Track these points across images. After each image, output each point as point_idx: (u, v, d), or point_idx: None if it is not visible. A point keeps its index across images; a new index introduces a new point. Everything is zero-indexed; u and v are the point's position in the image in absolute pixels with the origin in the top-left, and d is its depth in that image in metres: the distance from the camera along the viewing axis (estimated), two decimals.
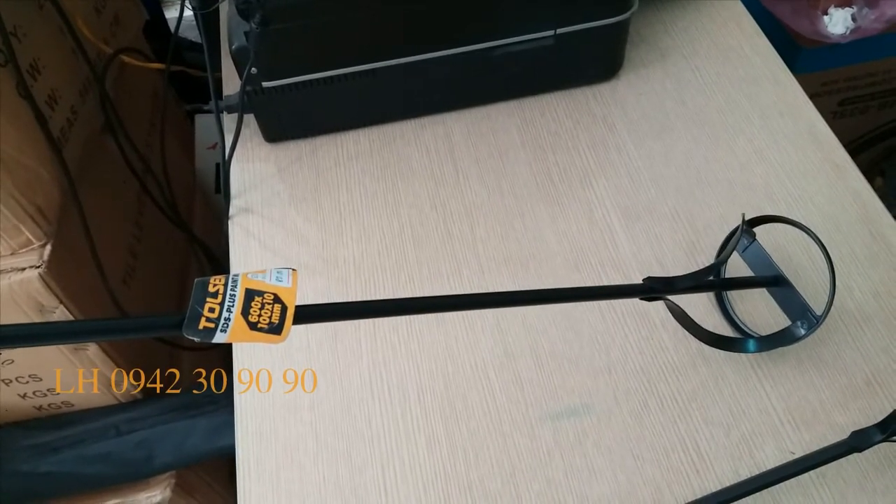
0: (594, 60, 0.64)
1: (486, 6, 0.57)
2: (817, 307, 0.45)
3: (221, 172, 0.60)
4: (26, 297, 0.60)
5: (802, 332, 0.45)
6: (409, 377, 0.51)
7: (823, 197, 0.58)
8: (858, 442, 0.40)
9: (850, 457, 0.42)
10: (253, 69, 0.56)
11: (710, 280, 0.48)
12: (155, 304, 0.79)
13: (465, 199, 0.60)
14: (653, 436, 0.48)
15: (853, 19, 0.92)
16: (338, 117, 0.64)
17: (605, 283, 0.54)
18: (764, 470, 0.44)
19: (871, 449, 0.41)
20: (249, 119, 0.64)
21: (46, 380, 0.68)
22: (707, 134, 0.63)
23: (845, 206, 0.57)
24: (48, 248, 0.59)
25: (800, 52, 0.97)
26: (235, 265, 0.58)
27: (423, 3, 0.55)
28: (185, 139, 1.05)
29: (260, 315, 0.28)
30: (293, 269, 0.30)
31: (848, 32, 0.92)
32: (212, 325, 0.27)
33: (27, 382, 0.68)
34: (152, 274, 0.80)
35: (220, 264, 0.59)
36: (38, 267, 0.59)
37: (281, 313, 0.28)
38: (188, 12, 0.67)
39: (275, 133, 0.64)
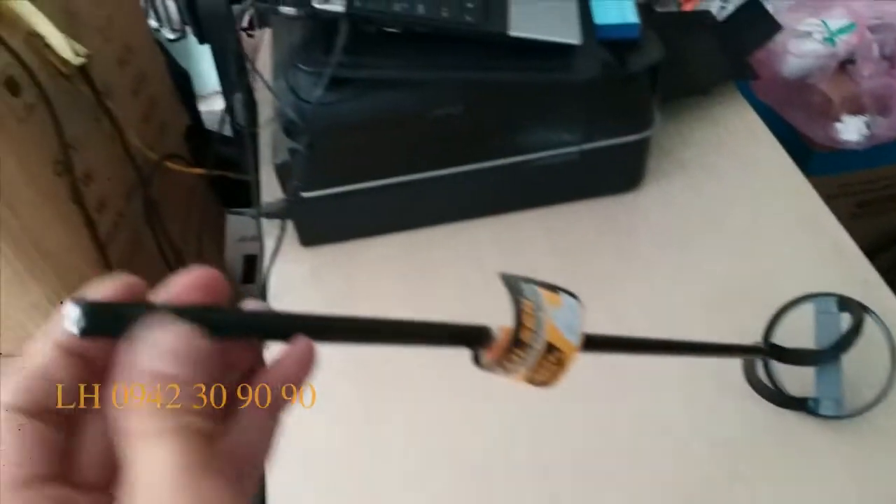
0: (617, 173, 0.67)
1: (515, 126, 0.60)
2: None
3: (257, 278, 0.63)
4: None
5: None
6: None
7: None
8: None
9: None
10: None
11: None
12: None
13: (495, 304, 0.61)
14: None
15: (867, 127, 0.95)
16: (372, 224, 0.67)
17: (632, 386, 0.55)
18: None
19: None
20: (286, 222, 0.66)
21: None
22: (728, 245, 0.64)
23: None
24: None
25: (812, 155, 0.99)
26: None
27: (458, 122, 0.58)
28: (215, 231, 1.08)
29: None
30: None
31: (862, 139, 0.95)
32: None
33: None
34: None
35: None
36: None
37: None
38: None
39: (310, 238, 0.66)
